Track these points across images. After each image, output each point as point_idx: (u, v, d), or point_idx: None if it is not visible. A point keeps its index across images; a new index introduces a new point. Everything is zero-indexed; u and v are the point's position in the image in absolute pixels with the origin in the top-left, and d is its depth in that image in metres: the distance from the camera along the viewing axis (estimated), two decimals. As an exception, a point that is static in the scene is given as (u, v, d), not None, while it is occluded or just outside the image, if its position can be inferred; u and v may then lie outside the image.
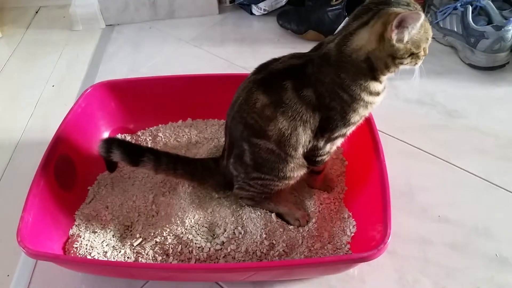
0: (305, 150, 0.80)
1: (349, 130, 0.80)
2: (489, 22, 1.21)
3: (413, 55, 0.71)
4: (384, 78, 0.75)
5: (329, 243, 0.83)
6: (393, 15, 0.66)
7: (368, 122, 0.89)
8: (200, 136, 1.05)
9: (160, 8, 1.49)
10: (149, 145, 1.04)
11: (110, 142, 0.87)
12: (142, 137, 1.06)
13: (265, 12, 1.48)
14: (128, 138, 1.06)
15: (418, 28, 0.68)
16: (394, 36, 0.67)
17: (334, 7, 1.32)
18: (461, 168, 0.99)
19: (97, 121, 1.03)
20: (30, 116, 1.19)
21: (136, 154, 0.86)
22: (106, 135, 1.05)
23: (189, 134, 1.06)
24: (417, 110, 1.14)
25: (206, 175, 0.90)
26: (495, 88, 1.19)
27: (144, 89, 1.06)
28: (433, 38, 1.31)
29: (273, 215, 0.86)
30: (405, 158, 1.02)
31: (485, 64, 1.20)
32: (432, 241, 0.86)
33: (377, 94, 0.75)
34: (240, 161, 0.83)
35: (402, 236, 0.86)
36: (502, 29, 1.14)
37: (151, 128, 1.08)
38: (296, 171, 0.83)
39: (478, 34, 1.18)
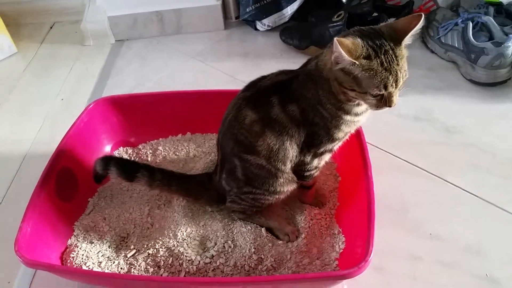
0: (293, 165, 0.82)
1: (335, 145, 0.82)
2: (490, 38, 1.21)
3: (359, 94, 0.69)
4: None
5: (317, 259, 0.84)
6: (339, 40, 0.65)
7: (358, 137, 0.90)
8: (198, 150, 1.08)
9: (167, 24, 1.53)
10: (149, 158, 1.07)
11: (107, 160, 0.91)
12: (142, 150, 1.10)
13: (269, 28, 1.50)
14: (129, 151, 1.10)
15: (357, 67, 0.66)
16: (333, 58, 0.68)
17: (335, 23, 1.33)
18: (455, 185, 0.98)
19: (100, 135, 1.07)
20: (39, 128, 1.24)
21: (131, 170, 0.89)
22: (108, 148, 1.08)
23: (187, 148, 1.09)
24: (413, 125, 1.14)
25: (200, 190, 0.92)
26: (496, 104, 1.18)
27: (146, 104, 1.10)
28: (435, 53, 1.34)
29: (263, 229, 0.88)
30: (399, 174, 1.02)
31: (485, 80, 1.20)
32: (422, 258, 0.86)
33: (356, 114, 0.76)
34: (232, 176, 0.85)
35: (392, 252, 0.87)
36: (502, 45, 1.13)
37: (151, 142, 1.11)
38: (286, 185, 0.84)
39: (478, 50, 1.18)
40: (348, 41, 0.66)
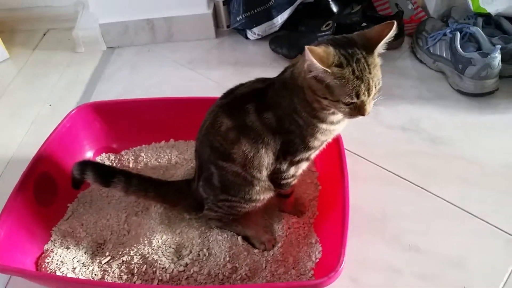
0: (269, 173, 0.81)
1: (312, 154, 0.81)
2: (478, 48, 1.20)
3: (332, 102, 0.69)
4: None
5: (293, 268, 0.83)
6: (310, 48, 0.64)
7: (337, 145, 0.89)
8: (180, 157, 1.07)
9: (158, 32, 1.53)
10: (131, 165, 1.07)
11: (84, 164, 0.91)
12: (125, 156, 1.09)
13: (259, 37, 1.50)
14: (112, 157, 1.09)
15: (328, 75, 0.65)
16: (305, 67, 0.67)
17: (323, 33, 1.33)
18: (438, 196, 0.97)
19: (82, 140, 1.07)
20: (25, 133, 1.24)
21: (107, 175, 0.89)
22: (90, 154, 1.08)
23: (170, 155, 1.08)
24: (400, 136, 1.13)
25: (178, 197, 0.92)
26: (483, 115, 1.17)
27: (129, 110, 1.10)
28: (424, 63, 1.34)
29: (239, 238, 0.87)
30: (382, 185, 1.01)
31: (473, 90, 1.18)
32: (400, 270, 0.84)
33: (332, 123, 0.75)
34: (209, 184, 0.84)
35: (370, 263, 0.86)
36: (489, 56, 1.12)
37: (134, 148, 1.11)
38: (262, 194, 0.84)
39: (466, 60, 1.17)
40: (319, 49, 0.66)
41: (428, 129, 1.14)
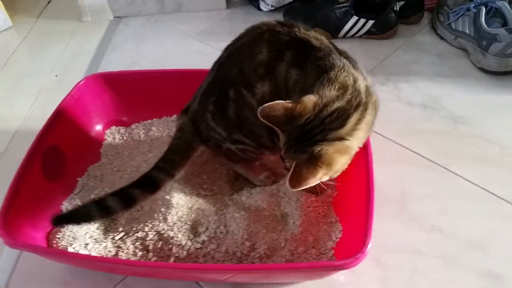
0: None
1: None
2: (504, 24, 1.16)
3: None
4: None
5: (313, 247, 0.80)
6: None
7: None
8: (193, 132, 1.03)
9: (167, 1, 1.47)
10: (142, 138, 1.03)
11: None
12: (135, 130, 1.06)
13: (273, 8, 1.44)
14: (122, 131, 1.06)
15: None
16: None
17: (341, 5, 1.28)
18: (460, 176, 0.94)
19: (91, 112, 1.03)
20: (31, 105, 1.20)
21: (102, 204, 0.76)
22: (99, 127, 1.04)
23: (182, 129, 1.04)
24: (419, 113, 1.09)
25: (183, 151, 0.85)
26: (506, 94, 1.13)
27: (140, 82, 1.05)
28: (444, 40, 1.29)
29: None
30: (401, 163, 0.98)
31: (496, 68, 1.14)
32: (422, 252, 0.82)
33: None
34: (222, 113, 0.79)
35: (391, 245, 0.83)
36: (515, 32, 1.08)
37: (145, 122, 1.07)
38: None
39: (490, 36, 1.13)
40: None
41: (448, 107, 1.10)
